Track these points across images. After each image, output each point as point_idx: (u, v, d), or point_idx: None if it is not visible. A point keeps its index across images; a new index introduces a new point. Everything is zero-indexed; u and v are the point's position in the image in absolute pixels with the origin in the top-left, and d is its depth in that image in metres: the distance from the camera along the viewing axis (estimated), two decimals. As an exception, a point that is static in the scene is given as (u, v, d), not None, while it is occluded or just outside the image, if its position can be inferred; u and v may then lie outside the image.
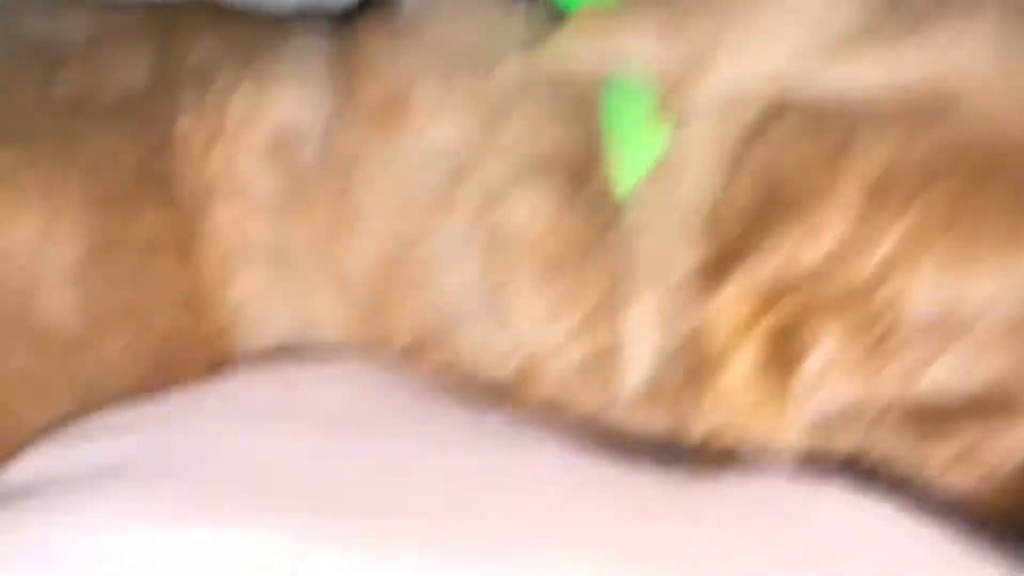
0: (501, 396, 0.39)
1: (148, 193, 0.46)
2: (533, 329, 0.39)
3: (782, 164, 0.34)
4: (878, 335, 0.32)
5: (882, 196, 0.33)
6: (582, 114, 0.39)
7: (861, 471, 0.33)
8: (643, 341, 0.36)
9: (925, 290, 0.32)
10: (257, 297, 0.45)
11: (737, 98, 0.36)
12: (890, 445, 0.33)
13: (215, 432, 0.34)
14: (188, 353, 0.44)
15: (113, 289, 0.45)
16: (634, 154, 0.37)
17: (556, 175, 0.39)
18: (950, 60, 0.33)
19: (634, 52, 0.38)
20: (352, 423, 0.34)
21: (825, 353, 0.32)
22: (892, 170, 0.32)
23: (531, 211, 0.39)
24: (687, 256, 0.35)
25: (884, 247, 0.32)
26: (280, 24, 0.53)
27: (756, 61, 0.36)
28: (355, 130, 0.44)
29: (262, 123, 0.46)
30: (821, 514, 0.31)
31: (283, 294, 0.45)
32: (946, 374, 0.32)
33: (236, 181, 0.45)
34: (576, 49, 0.39)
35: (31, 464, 0.34)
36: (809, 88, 0.35)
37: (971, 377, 0.31)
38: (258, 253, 0.45)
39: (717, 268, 0.34)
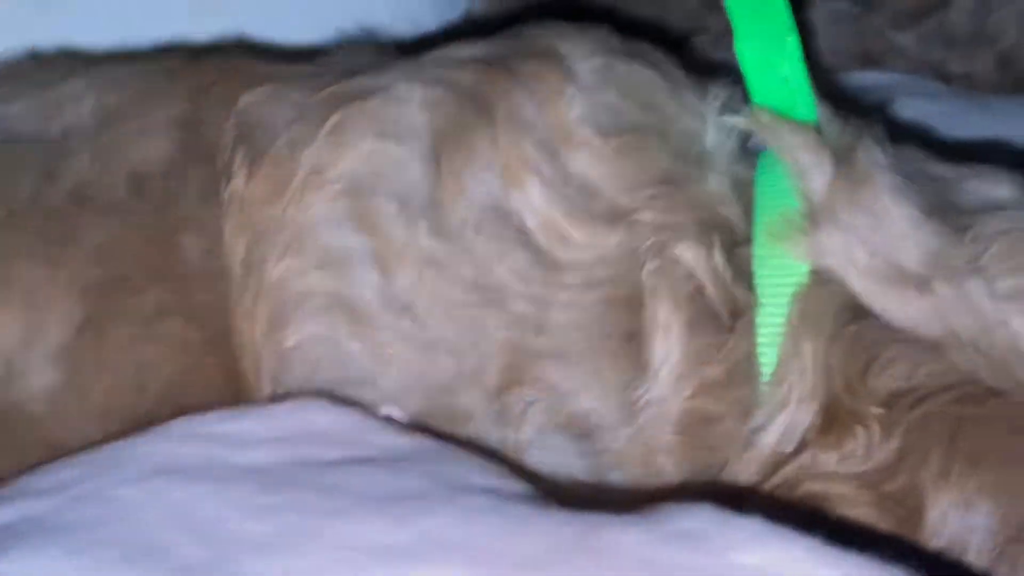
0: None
1: (151, 273, 0.46)
2: None
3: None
4: None
5: None
6: None
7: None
8: None
9: None
10: (314, 344, 0.45)
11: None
12: None
13: (122, 490, 0.34)
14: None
15: (101, 364, 0.46)
16: None
17: None
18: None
19: None
20: (271, 481, 0.34)
21: None
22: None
23: None
24: None
25: None
26: (335, 63, 0.53)
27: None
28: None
29: (335, 174, 0.45)
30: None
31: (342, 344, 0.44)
32: None
33: (302, 233, 0.45)
34: None
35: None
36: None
37: None
38: (319, 301, 0.45)
39: None
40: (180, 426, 0.39)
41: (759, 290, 0.43)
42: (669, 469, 0.43)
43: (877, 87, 0.94)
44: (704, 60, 0.73)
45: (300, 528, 0.31)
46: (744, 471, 0.41)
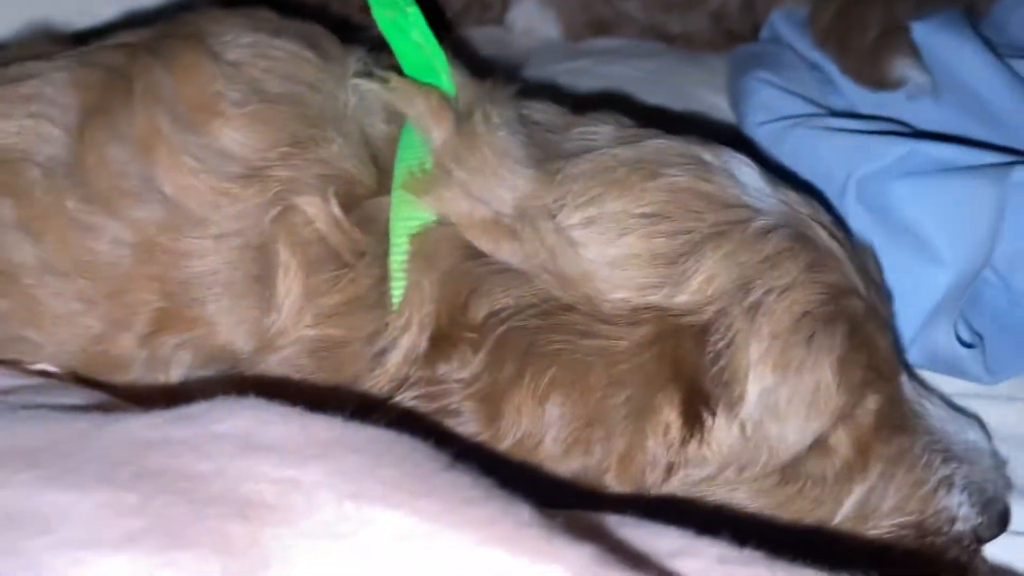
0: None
1: None
2: None
3: None
4: None
5: None
6: None
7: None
8: None
9: None
10: None
11: None
12: None
13: None
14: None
15: None
16: None
17: None
18: None
19: None
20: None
21: None
22: None
23: None
24: None
25: None
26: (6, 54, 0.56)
27: None
28: None
29: None
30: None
31: None
32: None
33: None
34: None
35: None
36: None
37: None
38: None
39: None
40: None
41: (391, 234, 0.49)
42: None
43: (608, 50, 1.03)
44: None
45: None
46: (375, 386, 0.47)
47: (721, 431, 0.47)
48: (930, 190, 0.64)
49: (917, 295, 0.62)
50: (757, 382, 0.46)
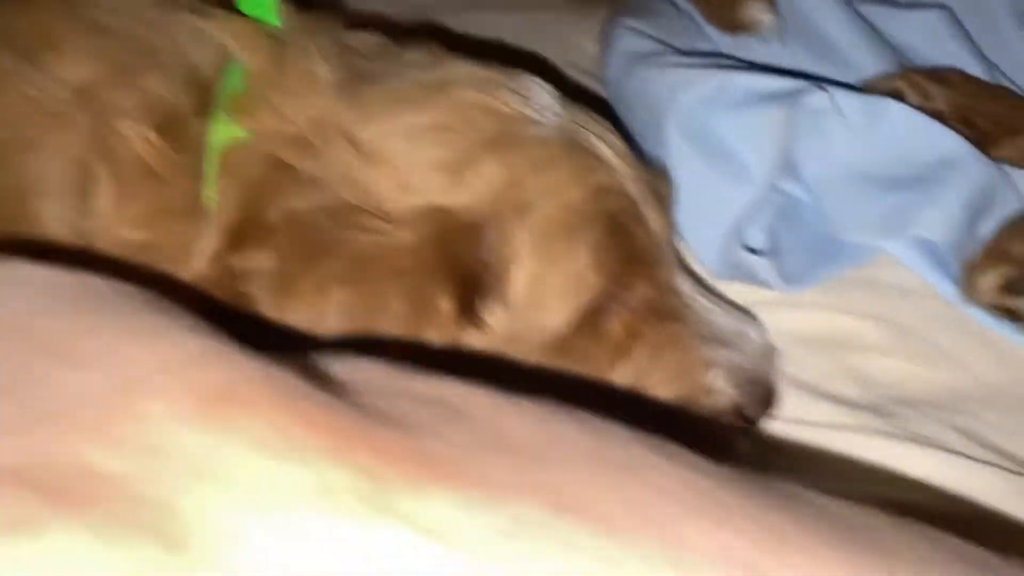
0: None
1: None
2: None
3: None
4: None
5: None
6: None
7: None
8: None
9: None
10: None
11: None
12: None
13: None
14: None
15: None
16: None
17: None
18: None
19: None
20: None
21: None
22: None
23: None
24: None
25: None
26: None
27: None
28: None
29: None
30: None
31: None
32: None
33: None
34: None
35: None
36: None
37: None
38: None
39: None
40: None
41: (207, 150, 0.55)
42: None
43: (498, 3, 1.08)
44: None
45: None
46: (192, 279, 0.54)
47: (493, 317, 0.53)
48: (738, 115, 0.70)
49: (721, 210, 0.68)
50: (524, 272, 0.53)
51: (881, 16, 0.87)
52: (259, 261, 0.52)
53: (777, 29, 0.86)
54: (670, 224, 0.61)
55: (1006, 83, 0.85)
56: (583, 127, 0.57)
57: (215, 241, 0.53)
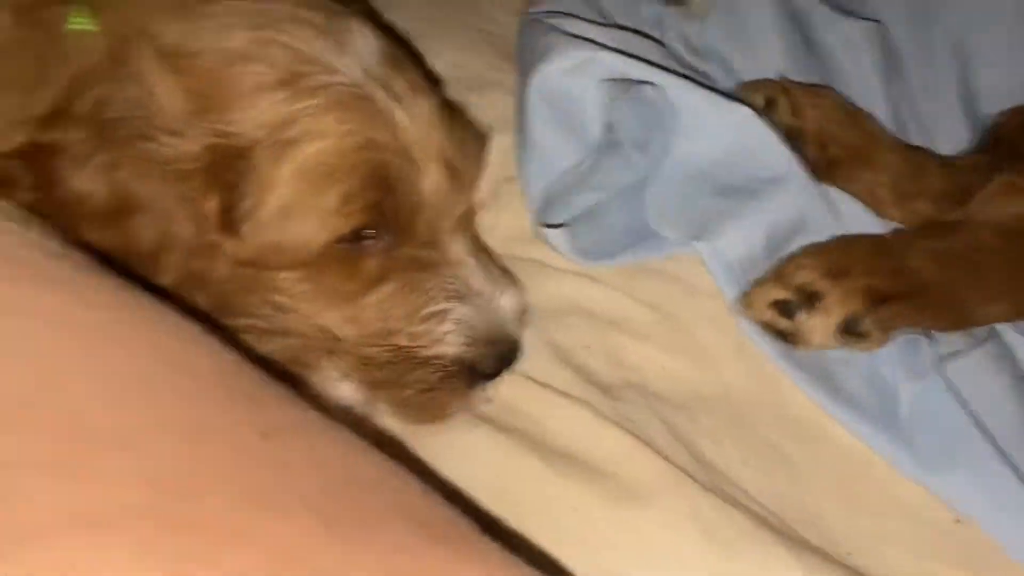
0: None
1: None
2: None
3: None
4: None
5: None
6: None
7: None
8: None
9: None
10: None
11: None
12: None
13: None
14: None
15: None
16: None
17: None
18: None
19: None
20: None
21: None
22: None
23: None
24: None
25: None
26: None
27: None
28: None
29: None
30: None
31: None
32: None
33: None
34: None
35: None
36: None
37: None
38: None
39: None
40: None
41: (60, 35, 0.65)
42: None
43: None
44: None
45: None
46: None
47: (249, 231, 0.62)
48: (591, 88, 0.75)
49: (546, 171, 0.75)
50: (275, 198, 0.61)
51: (816, 17, 0.88)
52: (68, 136, 0.61)
53: (706, 8, 0.88)
54: (466, 183, 0.68)
55: (907, 109, 0.86)
56: (385, 82, 0.63)
57: (38, 112, 0.63)
